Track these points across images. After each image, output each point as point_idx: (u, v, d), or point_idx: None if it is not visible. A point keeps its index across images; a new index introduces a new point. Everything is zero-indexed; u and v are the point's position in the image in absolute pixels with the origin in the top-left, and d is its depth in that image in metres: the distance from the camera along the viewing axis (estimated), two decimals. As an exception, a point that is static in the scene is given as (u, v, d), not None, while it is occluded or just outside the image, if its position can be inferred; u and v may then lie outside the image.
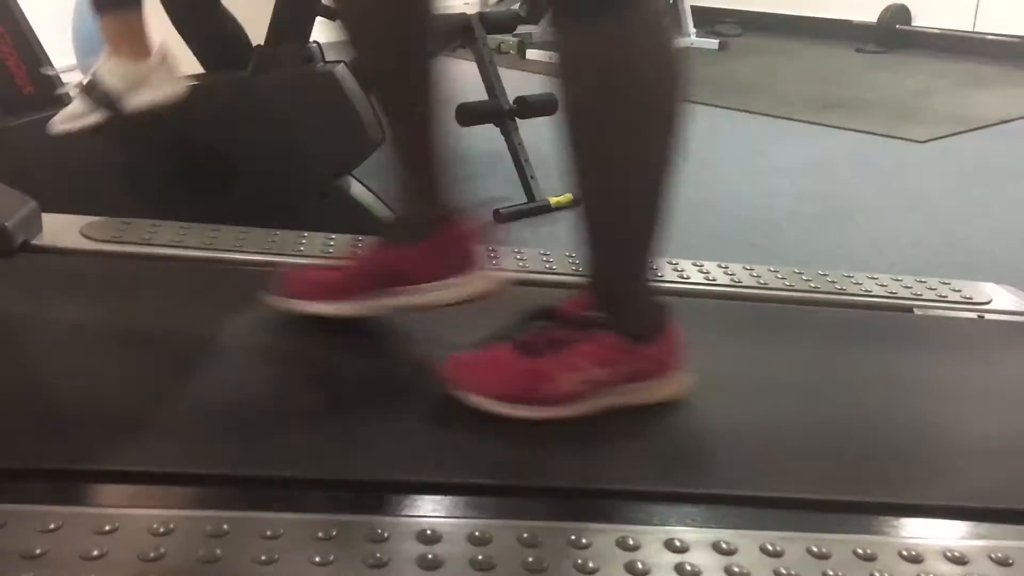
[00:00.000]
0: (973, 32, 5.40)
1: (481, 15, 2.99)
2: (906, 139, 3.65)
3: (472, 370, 1.06)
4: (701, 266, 1.54)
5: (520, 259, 1.50)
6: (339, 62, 2.01)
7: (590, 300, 1.06)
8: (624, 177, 1.01)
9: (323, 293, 1.17)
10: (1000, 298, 1.52)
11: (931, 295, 1.51)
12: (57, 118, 1.69)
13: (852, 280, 1.52)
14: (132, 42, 1.69)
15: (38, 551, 0.76)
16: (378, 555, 0.79)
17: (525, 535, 0.83)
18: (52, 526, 0.79)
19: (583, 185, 1.01)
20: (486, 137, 2.84)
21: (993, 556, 0.85)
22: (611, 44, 0.94)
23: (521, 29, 4.41)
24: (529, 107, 2.76)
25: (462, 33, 2.86)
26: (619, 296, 1.06)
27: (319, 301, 1.17)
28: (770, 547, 0.84)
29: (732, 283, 1.50)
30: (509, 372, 1.04)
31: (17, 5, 1.84)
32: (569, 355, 1.03)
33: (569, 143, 0.99)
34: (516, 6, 3.40)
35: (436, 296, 1.15)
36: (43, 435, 0.95)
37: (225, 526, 0.81)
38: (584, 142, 0.99)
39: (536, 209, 2.74)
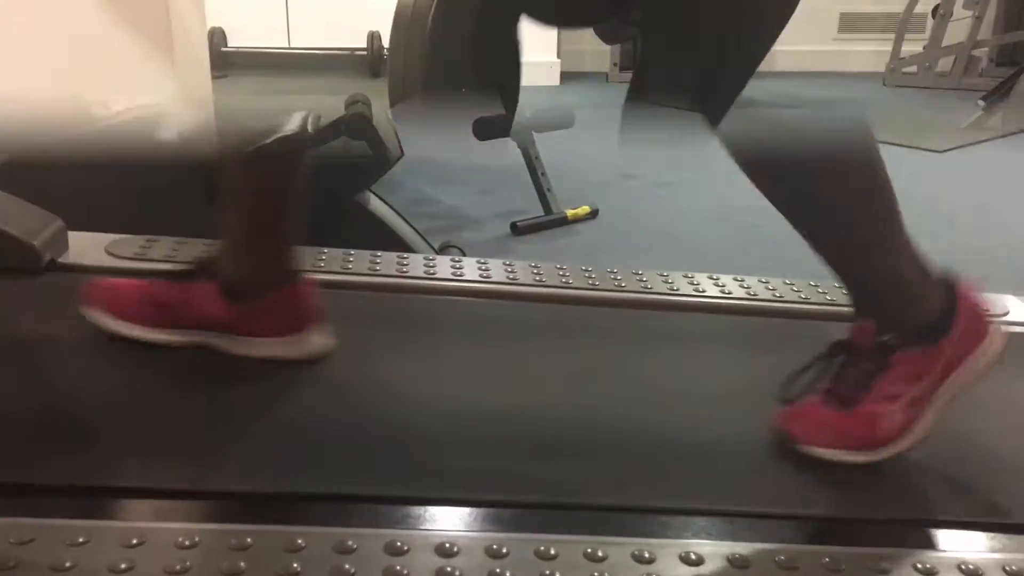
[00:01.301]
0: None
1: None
2: (925, 149, 3.64)
3: (805, 424, 1.06)
4: (717, 279, 1.55)
5: (535, 273, 1.52)
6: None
7: (875, 327, 1.05)
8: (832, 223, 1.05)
9: (142, 315, 1.18)
10: (1018, 310, 1.51)
11: (948, 307, 1.50)
12: None
13: (868, 293, 1.52)
14: None
15: (67, 564, 0.78)
16: (398, 568, 0.81)
17: (541, 548, 0.84)
18: (80, 540, 0.81)
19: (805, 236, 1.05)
20: (503, 150, 2.86)
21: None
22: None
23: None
24: (546, 121, 2.78)
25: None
26: (893, 312, 1.05)
27: (139, 324, 1.18)
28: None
29: (748, 296, 1.51)
30: (841, 425, 1.04)
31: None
32: (882, 387, 1.04)
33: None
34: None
35: (272, 351, 1.17)
36: (69, 451, 0.97)
37: (248, 539, 0.83)
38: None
39: (553, 222, 2.75)
